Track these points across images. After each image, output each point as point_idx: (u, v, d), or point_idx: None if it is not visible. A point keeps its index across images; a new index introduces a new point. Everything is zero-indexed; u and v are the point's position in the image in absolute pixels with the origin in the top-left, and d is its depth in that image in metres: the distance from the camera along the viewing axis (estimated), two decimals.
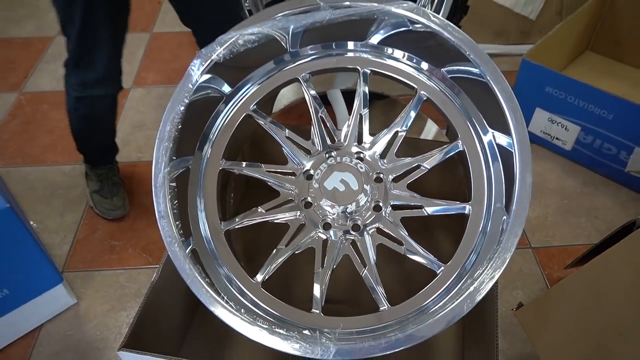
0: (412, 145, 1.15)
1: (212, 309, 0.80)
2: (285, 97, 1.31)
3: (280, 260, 0.97)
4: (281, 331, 0.78)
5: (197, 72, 0.92)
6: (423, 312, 0.87)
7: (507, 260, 0.77)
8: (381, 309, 0.90)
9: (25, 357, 1.10)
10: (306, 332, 0.80)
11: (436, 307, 0.86)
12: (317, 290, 0.93)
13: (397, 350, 0.76)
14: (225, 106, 1.05)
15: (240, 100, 1.05)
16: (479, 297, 0.76)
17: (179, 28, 2.06)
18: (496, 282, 0.82)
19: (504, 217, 0.84)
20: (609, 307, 0.90)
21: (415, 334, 0.76)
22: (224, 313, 0.80)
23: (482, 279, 0.77)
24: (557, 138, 1.50)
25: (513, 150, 0.85)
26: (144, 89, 1.81)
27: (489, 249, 0.87)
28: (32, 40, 2.08)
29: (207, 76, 0.96)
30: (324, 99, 1.39)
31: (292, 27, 0.96)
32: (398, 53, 1.03)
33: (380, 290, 0.92)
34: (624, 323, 0.88)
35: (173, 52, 1.96)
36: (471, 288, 0.77)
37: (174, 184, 0.90)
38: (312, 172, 1.02)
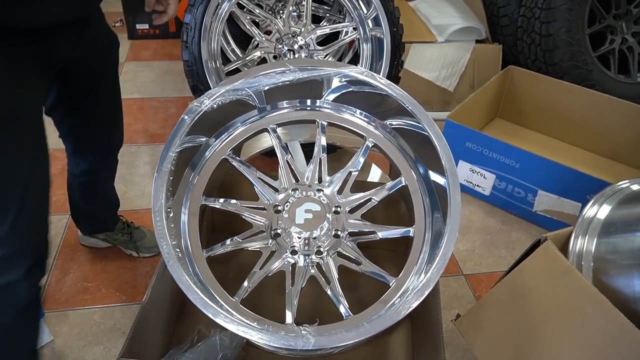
0: (361, 187, 1.35)
1: (208, 313, 0.93)
2: (249, 150, 1.49)
3: (255, 281, 1.11)
4: (268, 329, 0.92)
5: (189, 119, 1.09)
6: (381, 317, 1.04)
7: (447, 261, 0.97)
8: (345, 317, 1.06)
9: None
10: (289, 327, 0.94)
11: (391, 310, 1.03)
12: (289, 304, 1.07)
13: (365, 337, 0.92)
14: (204, 152, 1.22)
15: (218, 146, 1.23)
16: (427, 291, 0.95)
17: (138, 94, 2.25)
18: (438, 283, 1.02)
19: (443, 228, 1.05)
20: (527, 306, 1.11)
21: (380, 323, 0.93)
22: (218, 315, 0.92)
23: (428, 277, 0.97)
24: (477, 185, 1.78)
25: (445, 177, 1.08)
26: None
27: (430, 260, 1.07)
28: None
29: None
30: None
31: (264, 84, 1.17)
32: (350, 109, 1.27)
33: (343, 301, 1.08)
34: (539, 319, 1.09)
35: (134, 116, 2.11)
36: (420, 285, 0.96)
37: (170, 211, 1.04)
38: (280, 206, 1.19)
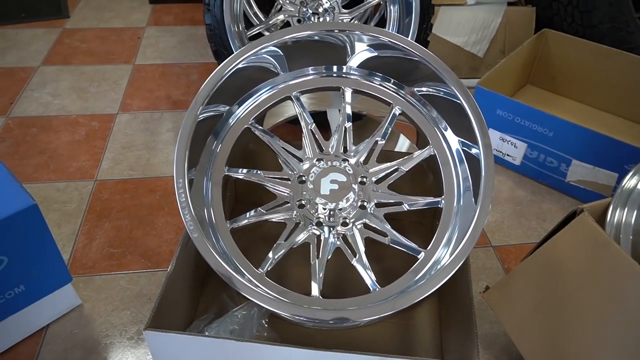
0: (388, 157, 1.32)
1: (234, 286, 0.92)
2: (272, 119, 1.46)
3: (280, 254, 1.09)
4: (294, 302, 0.91)
5: (208, 88, 1.06)
6: (410, 291, 1.01)
7: (477, 237, 0.93)
8: (372, 290, 1.04)
9: (33, 355, 1.15)
10: (314, 300, 0.92)
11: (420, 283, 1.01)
12: (315, 276, 1.06)
13: (392, 312, 0.89)
14: (227, 121, 1.19)
15: (241, 115, 1.20)
16: (458, 266, 0.92)
17: (160, 60, 2.21)
18: (469, 258, 0.98)
19: (473, 202, 1.01)
20: (560, 279, 1.08)
21: (408, 298, 0.90)
22: (244, 287, 0.91)
23: (459, 251, 0.93)
24: (507, 154, 1.72)
25: (478, 152, 1.03)
26: (130, 114, 1.92)
27: (461, 234, 1.03)
28: (15, 70, 2.15)
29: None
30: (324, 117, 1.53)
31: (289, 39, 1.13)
32: (377, 75, 1.22)
33: (370, 274, 1.06)
34: (574, 294, 1.05)
35: (156, 82, 2.09)
36: (450, 260, 0.93)
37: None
38: (304, 176, 1.16)
